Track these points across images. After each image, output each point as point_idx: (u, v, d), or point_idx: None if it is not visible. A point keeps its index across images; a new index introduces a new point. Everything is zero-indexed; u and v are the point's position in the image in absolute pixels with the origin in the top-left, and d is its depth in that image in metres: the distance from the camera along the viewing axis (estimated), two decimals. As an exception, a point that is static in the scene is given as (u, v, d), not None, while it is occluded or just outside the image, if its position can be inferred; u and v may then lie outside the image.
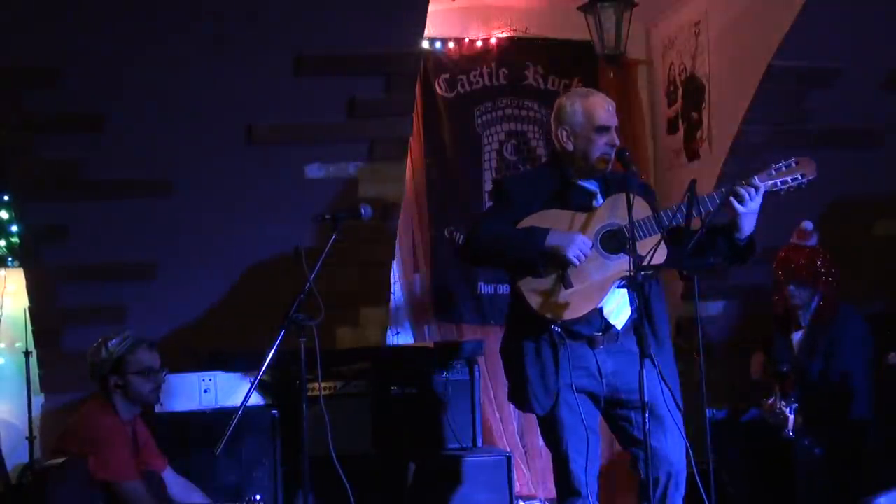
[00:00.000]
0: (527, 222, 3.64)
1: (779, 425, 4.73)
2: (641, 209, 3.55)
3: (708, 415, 3.44)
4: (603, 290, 3.57)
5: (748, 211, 3.53)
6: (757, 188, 3.51)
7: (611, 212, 3.60)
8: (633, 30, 5.73)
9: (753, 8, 5.14)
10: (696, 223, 3.51)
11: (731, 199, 3.51)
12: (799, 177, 3.56)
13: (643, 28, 6.07)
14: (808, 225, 4.93)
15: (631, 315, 3.60)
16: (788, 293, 4.92)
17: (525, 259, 3.58)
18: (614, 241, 3.58)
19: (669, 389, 3.57)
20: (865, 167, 5.54)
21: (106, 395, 4.23)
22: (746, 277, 5.47)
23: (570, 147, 3.71)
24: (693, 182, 3.46)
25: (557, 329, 3.58)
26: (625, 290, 3.54)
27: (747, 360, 5.28)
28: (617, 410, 3.70)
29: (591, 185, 3.72)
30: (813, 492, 4.65)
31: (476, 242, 3.74)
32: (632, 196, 3.43)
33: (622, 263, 3.51)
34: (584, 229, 3.60)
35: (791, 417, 4.67)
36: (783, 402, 4.71)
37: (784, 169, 3.56)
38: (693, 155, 5.73)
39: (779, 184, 3.56)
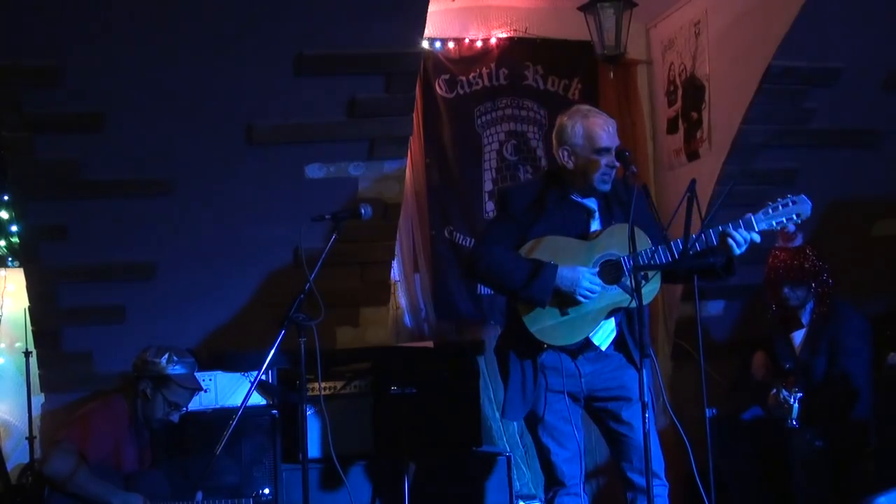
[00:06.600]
0: (531, 247, 3.71)
1: (783, 416, 4.74)
2: (642, 241, 3.60)
3: (708, 414, 3.45)
4: (596, 320, 3.69)
5: (742, 251, 3.56)
6: (752, 228, 3.56)
7: (611, 241, 3.67)
8: (633, 30, 5.73)
9: (753, 8, 5.14)
10: (695, 227, 3.53)
11: (730, 239, 3.54)
12: (794, 216, 3.60)
13: (643, 28, 6.07)
14: (790, 226, 4.94)
15: (616, 336, 3.74)
16: (784, 295, 4.94)
17: (533, 297, 3.64)
18: (613, 272, 3.65)
19: (650, 393, 3.61)
20: (865, 167, 5.54)
21: (131, 394, 4.29)
22: (747, 277, 5.46)
23: (570, 166, 3.77)
24: (693, 182, 3.48)
25: (550, 353, 3.71)
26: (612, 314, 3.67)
27: (748, 360, 5.28)
28: (594, 405, 3.83)
29: (590, 203, 3.79)
30: (812, 487, 4.65)
31: (480, 266, 3.79)
32: (635, 217, 3.49)
33: (617, 294, 3.63)
34: (585, 257, 3.67)
35: (795, 407, 4.69)
36: (787, 393, 4.73)
37: (780, 208, 3.59)
38: (693, 155, 5.73)
39: (773, 224, 3.60)
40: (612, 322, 3.73)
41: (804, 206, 3.59)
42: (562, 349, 3.71)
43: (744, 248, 3.56)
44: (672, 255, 3.56)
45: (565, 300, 3.64)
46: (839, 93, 5.21)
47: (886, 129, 5.47)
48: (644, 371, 3.46)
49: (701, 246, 3.57)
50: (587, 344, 3.72)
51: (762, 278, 5.10)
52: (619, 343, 3.74)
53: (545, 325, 3.67)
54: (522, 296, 3.68)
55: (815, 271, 4.88)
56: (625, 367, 3.75)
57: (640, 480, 3.67)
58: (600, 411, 3.83)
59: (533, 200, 3.80)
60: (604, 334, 3.73)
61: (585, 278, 3.61)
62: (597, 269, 3.66)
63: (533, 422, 3.82)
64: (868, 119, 5.41)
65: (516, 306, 3.74)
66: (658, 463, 3.73)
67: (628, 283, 3.55)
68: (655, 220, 3.74)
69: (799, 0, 4.77)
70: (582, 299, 3.61)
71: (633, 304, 3.43)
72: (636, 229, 3.55)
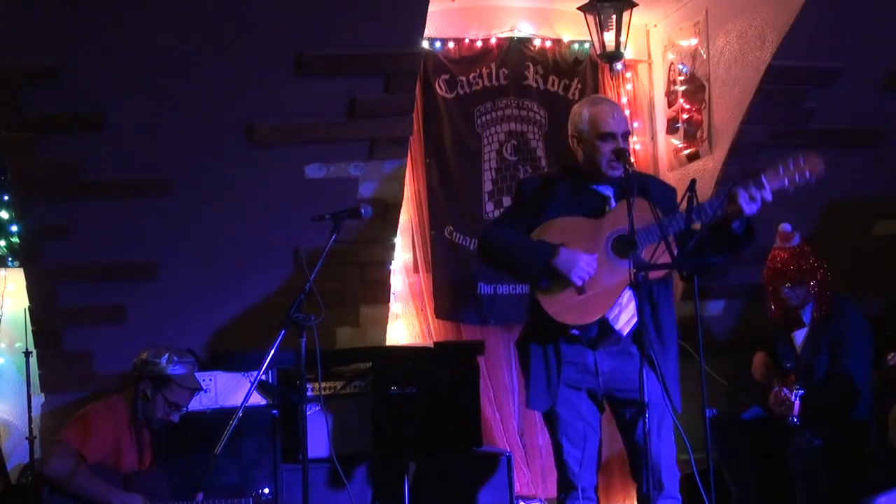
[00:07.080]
0: (541, 230, 3.73)
1: (784, 413, 4.74)
2: (648, 215, 3.57)
3: (708, 414, 3.45)
4: (614, 295, 3.66)
5: (754, 210, 3.54)
6: (763, 187, 3.52)
7: (621, 216, 3.64)
8: (633, 30, 5.73)
9: (753, 8, 5.14)
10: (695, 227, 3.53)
11: (739, 198, 3.51)
12: (807, 174, 3.57)
13: (643, 28, 6.07)
14: (786, 227, 4.97)
15: (637, 320, 3.67)
16: (784, 296, 4.94)
17: (531, 274, 3.74)
18: (624, 246, 3.63)
19: (668, 394, 3.65)
20: (865, 167, 5.54)
21: (131, 394, 4.30)
22: (747, 277, 5.47)
23: (579, 153, 3.79)
24: (693, 182, 3.48)
25: (576, 332, 3.69)
26: (631, 296, 3.63)
27: (748, 360, 5.28)
28: (615, 408, 3.82)
29: (605, 190, 3.79)
30: (812, 487, 4.65)
31: (487, 246, 3.87)
32: (633, 199, 3.47)
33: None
34: (596, 234, 3.68)
35: (797, 404, 4.70)
36: (788, 390, 4.74)
37: (791, 167, 3.57)
38: (693, 155, 5.73)
39: (786, 183, 3.57)
40: (631, 307, 3.67)
41: (818, 164, 3.57)
42: (581, 341, 3.70)
43: (757, 207, 3.53)
44: (678, 223, 3.54)
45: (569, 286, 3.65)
46: (839, 93, 5.21)
47: (886, 129, 5.47)
48: (655, 370, 3.47)
49: (712, 210, 3.54)
50: (608, 330, 3.69)
51: (762, 278, 5.10)
52: (639, 336, 3.67)
53: (562, 305, 3.68)
54: (521, 271, 3.79)
55: (814, 270, 4.89)
56: (646, 370, 3.65)
57: (653, 496, 3.66)
58: (618, 416, 3.83)
59: (542, 188, 3.83)
60: (624, 318, 3.70)
61: (583, 260, 3.62)
62: (609, 247, 3.66)
63: (549, 417, 3.82)
64: (868, 119, 5.41)
65: (535, 290, 3.76)
66: (671, 476, 3.72)
67: (640, 256, 3.52)
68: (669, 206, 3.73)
69: (799, 0, 4.77)
70: (577, 281, 3.61)
71: (642, 278, 3.43)
72: (643, 203, 3.53)
